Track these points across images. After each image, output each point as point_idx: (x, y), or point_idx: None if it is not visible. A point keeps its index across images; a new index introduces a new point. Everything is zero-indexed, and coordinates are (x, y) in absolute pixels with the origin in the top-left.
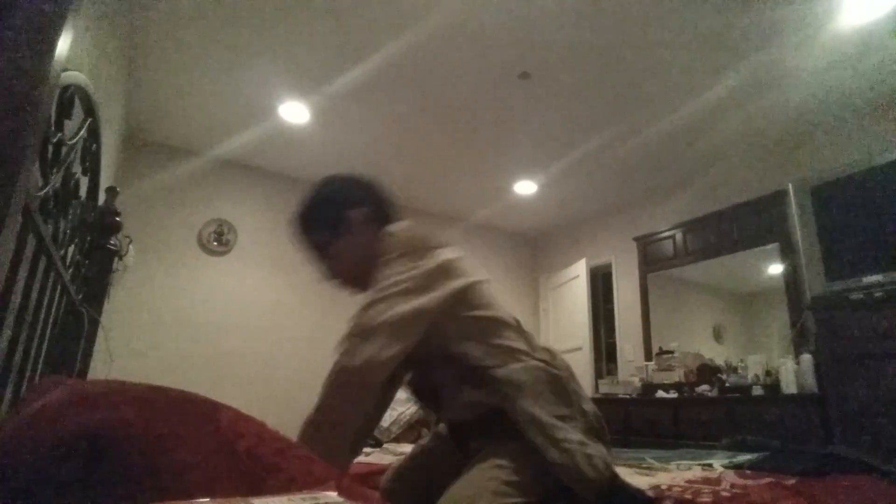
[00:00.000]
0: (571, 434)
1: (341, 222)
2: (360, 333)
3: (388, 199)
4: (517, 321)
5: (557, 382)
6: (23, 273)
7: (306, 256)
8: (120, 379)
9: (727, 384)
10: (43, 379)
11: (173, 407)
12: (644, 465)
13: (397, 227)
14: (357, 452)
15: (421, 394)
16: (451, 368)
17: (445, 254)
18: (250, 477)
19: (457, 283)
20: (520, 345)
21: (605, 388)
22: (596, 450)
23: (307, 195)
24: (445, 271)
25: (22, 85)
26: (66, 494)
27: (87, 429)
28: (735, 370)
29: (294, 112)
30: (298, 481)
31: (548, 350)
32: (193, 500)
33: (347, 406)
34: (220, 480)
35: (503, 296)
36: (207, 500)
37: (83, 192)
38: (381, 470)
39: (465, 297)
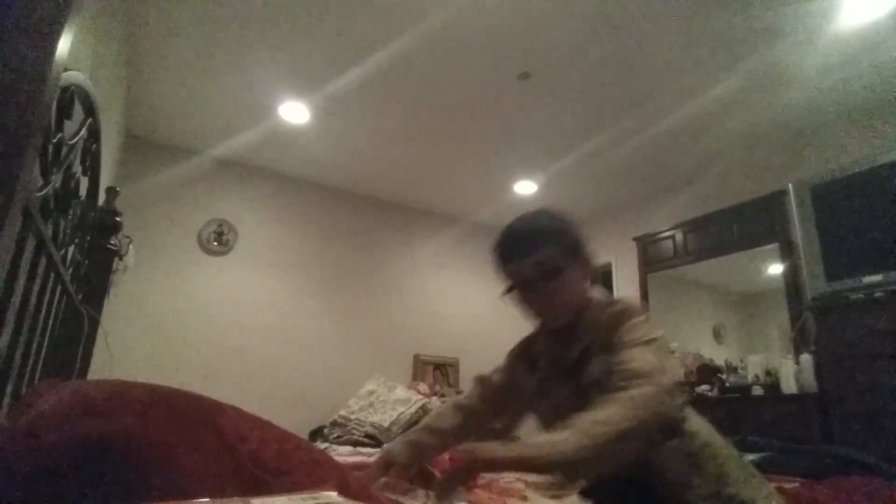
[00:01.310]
0: None
1: (578, 256)
2: (665, 376)
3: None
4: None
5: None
6: (23, 273)
7: (506, 271)
8: (120, 379)
9: (727, 384)
10: (40, 382)
11: (175, 412)
12: None
13: (624, 297)
14: None
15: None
16: None
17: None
18: (255, 481)
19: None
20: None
21: None
22: None
23: (545, 214)
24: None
25: (22, 85)
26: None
27: (90, 439)
28: (735, 370)
29: (294, 112)
30: (303, 485)
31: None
32: (193, 501)
33: (643, 424)
34: (225, 486)
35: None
36: (207, 500)
37: (83, 192)
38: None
39: None
